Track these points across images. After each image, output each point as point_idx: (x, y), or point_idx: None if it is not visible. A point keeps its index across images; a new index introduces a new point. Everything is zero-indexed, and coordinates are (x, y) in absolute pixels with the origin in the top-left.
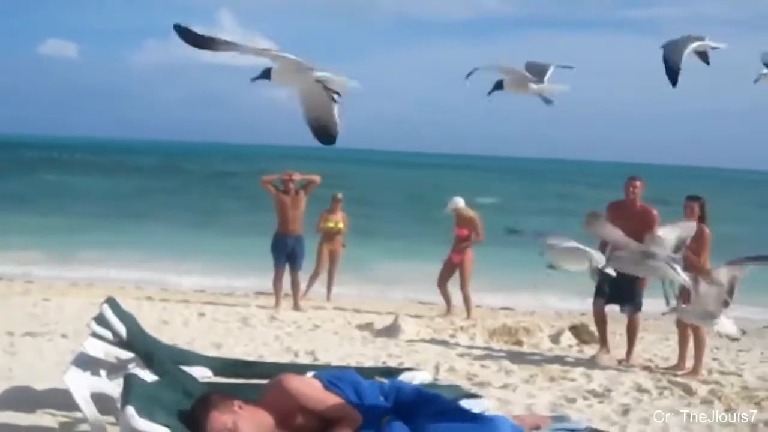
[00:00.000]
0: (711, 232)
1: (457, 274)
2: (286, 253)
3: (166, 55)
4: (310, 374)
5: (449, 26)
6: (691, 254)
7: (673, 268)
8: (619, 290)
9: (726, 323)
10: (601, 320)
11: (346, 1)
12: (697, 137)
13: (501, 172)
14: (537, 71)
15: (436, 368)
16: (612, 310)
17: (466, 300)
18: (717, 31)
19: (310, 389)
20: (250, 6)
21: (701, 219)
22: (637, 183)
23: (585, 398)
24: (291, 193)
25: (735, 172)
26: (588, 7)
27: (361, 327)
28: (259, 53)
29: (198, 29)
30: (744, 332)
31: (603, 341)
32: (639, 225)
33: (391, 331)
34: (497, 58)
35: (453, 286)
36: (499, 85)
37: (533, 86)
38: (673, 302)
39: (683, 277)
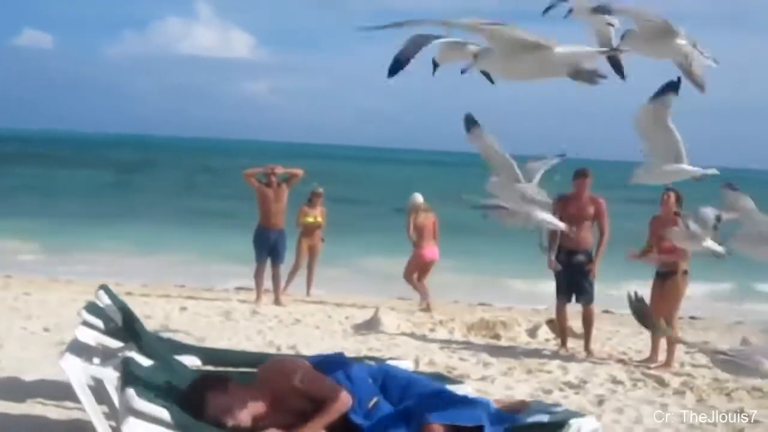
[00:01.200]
0: None
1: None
2: (268, 247)
3: (142, 47)
4: (300, 359)
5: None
6: (667, 247)
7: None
8: (573, 285)
9: (712, 243)
10: (562, 317)
11: None
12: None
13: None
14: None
15: (416, 361)
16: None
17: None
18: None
19: (302, 371)
20: None
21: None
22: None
23: (561, 390)
24: (273, 186)
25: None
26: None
27: (341, 321)
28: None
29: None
30: (730, 252)
31: (563, 336)
32: (582, 212)
33: (371, 325)
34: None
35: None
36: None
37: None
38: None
39: (555, 223)
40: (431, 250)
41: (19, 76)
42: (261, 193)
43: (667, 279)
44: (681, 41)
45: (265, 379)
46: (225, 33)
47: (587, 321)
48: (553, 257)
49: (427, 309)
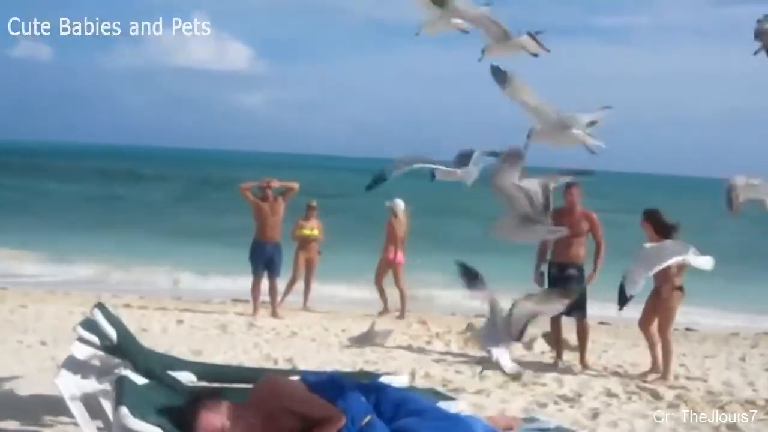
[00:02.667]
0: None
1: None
2: (264, 260)
3: (137, 58)
4: (294, 378)
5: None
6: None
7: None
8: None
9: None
10: (557, 330)
11: (318, 4)
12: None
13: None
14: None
15: (412, 374)
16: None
17: (402, 297)
18: (684, 39)
19: (295, 390)
20: (223, 8)
21: (661, 230)
22: (573, 190)
23: (556, 403)
24: (269, 200)
25: None
26: (560, 14)
27: (337, 334)
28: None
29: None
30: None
31: (559, 349)
32: (576, 227)
33: (367, 338)
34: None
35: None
36: None
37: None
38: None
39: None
40: (399, 255)
41: (16, 87)
42: (257, 206)
43: (659, 293)
44: (575, 131)
45: (258, 399)
46: (221, 44)
47: (581, 335)
48: (538, 271)
49: (384, 312)
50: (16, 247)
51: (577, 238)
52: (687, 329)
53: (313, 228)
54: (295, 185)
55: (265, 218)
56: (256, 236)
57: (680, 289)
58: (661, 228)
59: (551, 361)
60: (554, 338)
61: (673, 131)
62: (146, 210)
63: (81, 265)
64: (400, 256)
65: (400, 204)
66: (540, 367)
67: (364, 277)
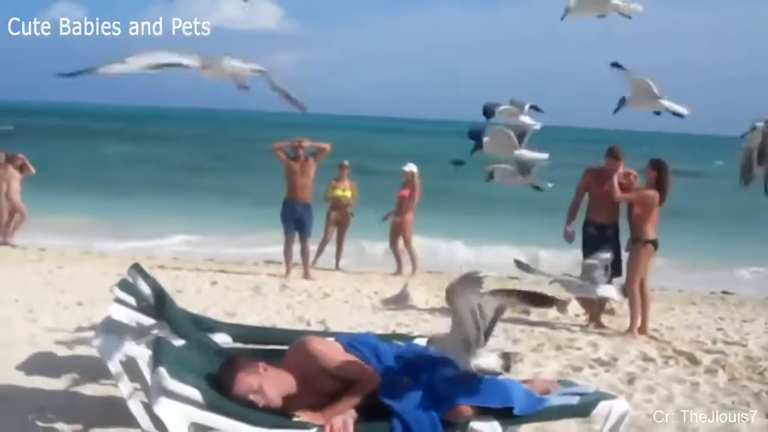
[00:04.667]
0: (657, 196)
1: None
2: (294, 220)
3: (169, 20)
4: (328, 339)
5: None
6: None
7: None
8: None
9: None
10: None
11: None
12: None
13: None
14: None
15: None
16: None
17: (412, 257)
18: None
19: (331, 351)
20: None
21: (659, 183)
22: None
23: (591, 367)
24: (300, 160)
25: None
26: None
27: (370, 296)
28: None
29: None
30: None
31: (592, 312)
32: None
33: (400, 300)
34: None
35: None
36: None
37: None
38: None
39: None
40: (408, 216)
41: (50, 50)
42: (288, 166)
43: (633, 246)
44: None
45: (294, 359)
46: (252, 3)
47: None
48: (570, 228)
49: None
50: (54, 208)
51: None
52: (724, 292)
53: (345, 188)
54: (327, 146)
55: (295, 178)
56: (287, 196)
57: (652, 242)
58: (662, 181)
59: (585, 323)
60: (587, 300)
61: (720, 90)
62: (177, 171)
63: (115, 227)
64: (409, 217)
65: (412, 167)
66: (574, 330)
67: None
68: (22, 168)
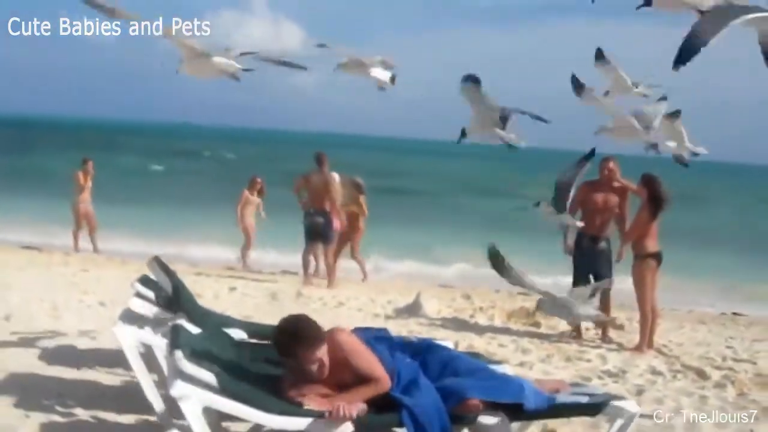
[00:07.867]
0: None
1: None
2: (315, 229)
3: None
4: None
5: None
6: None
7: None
8: (594, 271)
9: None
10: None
11: None
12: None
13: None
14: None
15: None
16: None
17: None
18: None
19: (357, 345)
20: None
21: (651, 198)
22: (611, 164)
23: (600, 378)
24: (324, 173)
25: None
26: None
27: (383, 305)
28: None
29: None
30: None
31: (602, 327)
32: (609, 202)
33: (412, 310)
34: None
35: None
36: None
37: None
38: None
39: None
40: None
41: (78, 65)
42: (308, 179)
43: (634, 263)
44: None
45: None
46: (276, 25)
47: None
48: (570, 242)
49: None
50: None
51: (608, 211)
52: (735, 314)
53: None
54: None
55: (315, 187)
56: (309, 205)
57: (654, 256)
58: (656, 197)
59: (595, 336)
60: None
61: (718, 117)
62: (202, 184)
63: (137, 236)
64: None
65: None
66: (584, 343)
67: (409, 251)
68: (260, 192)
